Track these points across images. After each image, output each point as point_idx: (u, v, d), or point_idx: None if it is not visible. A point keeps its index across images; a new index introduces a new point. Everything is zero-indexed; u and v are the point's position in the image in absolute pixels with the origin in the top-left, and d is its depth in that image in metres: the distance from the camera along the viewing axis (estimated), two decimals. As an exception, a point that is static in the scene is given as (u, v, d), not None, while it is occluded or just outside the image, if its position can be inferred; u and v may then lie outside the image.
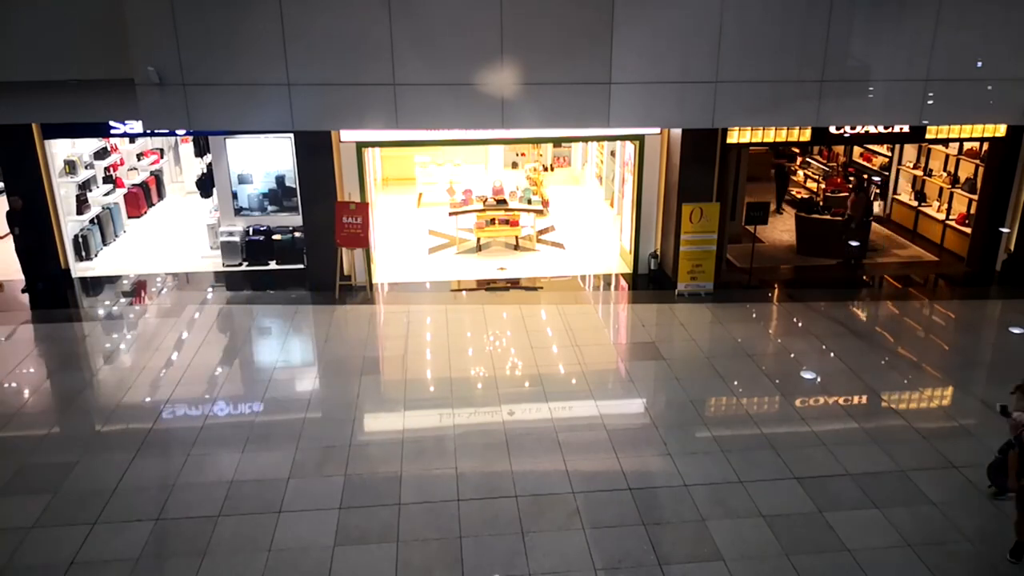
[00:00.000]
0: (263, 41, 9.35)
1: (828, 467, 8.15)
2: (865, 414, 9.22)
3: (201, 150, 17.84)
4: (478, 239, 15.21)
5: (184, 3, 9.14)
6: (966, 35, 10.01)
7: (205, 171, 17.27)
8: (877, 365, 10.43)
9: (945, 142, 14.49)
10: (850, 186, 15.87)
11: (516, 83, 9.72)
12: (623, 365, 10.55)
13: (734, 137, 12.35)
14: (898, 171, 16.62)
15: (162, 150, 18.79)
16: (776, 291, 13.28)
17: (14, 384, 10.12)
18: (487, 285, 13.47)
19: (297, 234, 13.87)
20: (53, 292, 13.02)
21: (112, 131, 12.61)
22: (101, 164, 15.71)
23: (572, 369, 10.31)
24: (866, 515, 7.40)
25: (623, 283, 13.70)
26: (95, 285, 13.50)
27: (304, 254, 13.55)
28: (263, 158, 14.38)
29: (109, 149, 16.29)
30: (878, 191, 16.86)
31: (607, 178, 16.99)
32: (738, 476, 7.98)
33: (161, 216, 17.24)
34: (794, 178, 19.27)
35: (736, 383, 9.94)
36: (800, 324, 11.80)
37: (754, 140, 12.49)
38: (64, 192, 13.83)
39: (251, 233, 14.02)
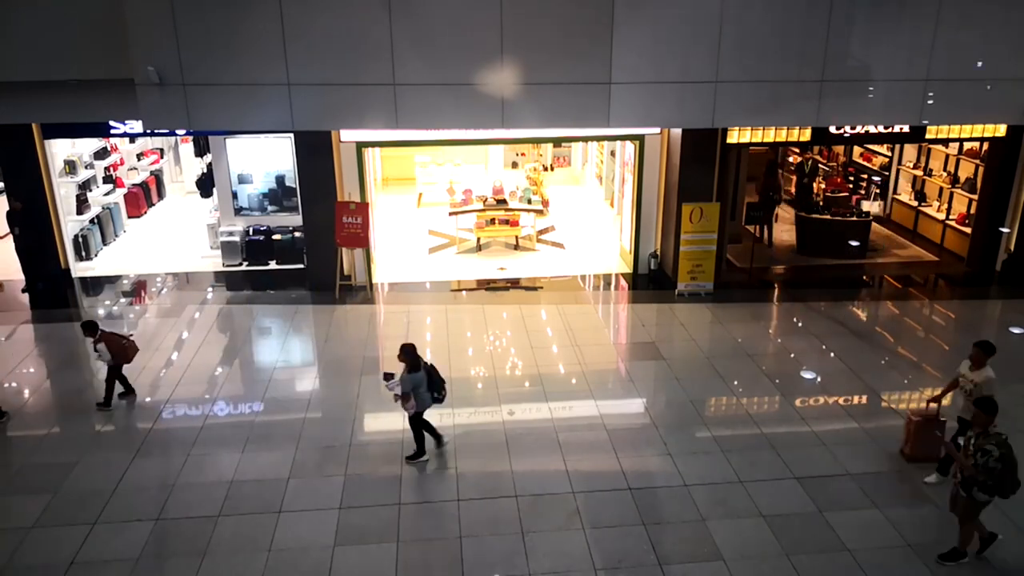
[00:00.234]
0: (263, 41, 9.35)
1: (828, 467, 8.15)
2: (865, 414, 9.22)
3: (201, 150, 17.83)
4: (478, 239, 15.21)
5: (184, 3, 9.14)
6: (966, 35, 10.01)
7: (205, 171, 17.27)
8: (877, 365, 10.42)
9: (945, 142, 14.49)
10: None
11: (516, 83, 9.72)
12: (623, 365, 10.55)
13: (734, 137, 12.35)
14: (898, 171, 16.62)
15: (162, 150, 18.78)
16: (776, 291, 13.29)
17: (14, 384, 10.12)
18: (487, 285, 13.47)
19: (297, 234, 13.87)
20: (53, 292, 13.01)
21: (112, 131, 12.61)
22: (101, 164, 15.71)
23: (572, 369, 10.31)
24: (866, 515, 7.40)
25: (623, 283, 13.70)
26: (95, 285, 13.50)
27: (304, 254, 13.55)
28: (263, 158, 14.38)
29: (109, 149, 16.28)
30: (877, 188, 16.88)
31: (607, 178, 16.99)
32: (738, 476, 7.98)
33: (161, 216, 17.24)
34: (793, 178, 19.26)
35: (736, 383, 9.94)
36: (800, 324, 11.80)
37: (754, 140, 12.49)
38: (64, 192, 13.83)
39: (251, 233, 14.02)
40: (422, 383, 8.00)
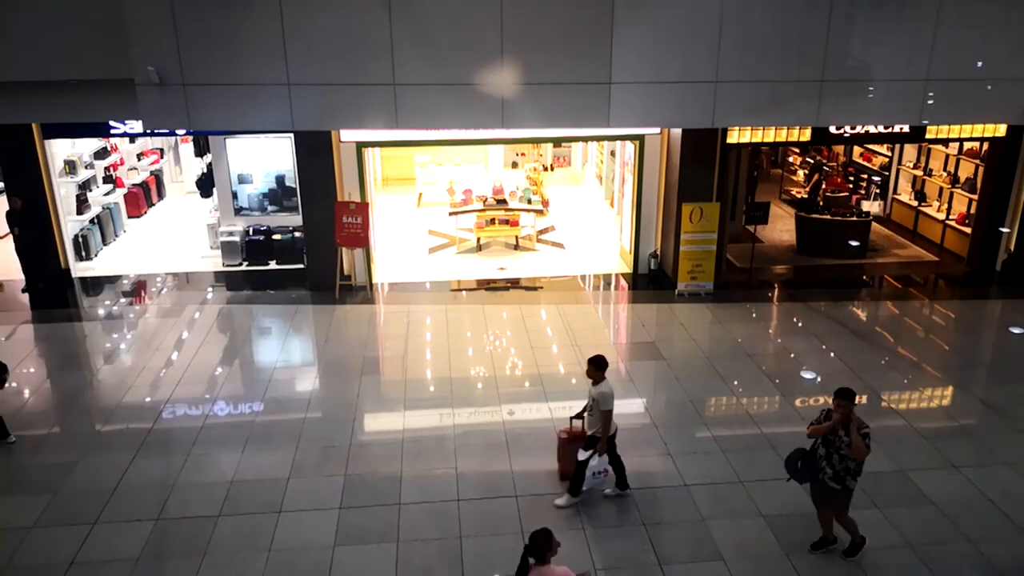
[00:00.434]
0: (263, 41, 9.35)
1: (828, 467, 8.14)
2: (865, 414, 9.15)
3: (201, 150, 17.84)
4: (478, 239, 15.21)
5: (184, 3, 9.13)
6: (966, 35, 10.01)
7: (205, 171, 17.28)
8: (877, 365, 10.42)
9: (945, 142, 14.49)
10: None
11: (516, 83, 9.72)
12: (623, 365, 10.54)
13: (734, 137, 12.35)
14: (898, 171, 16.62)
15: (162, 150, 18.79)
16: (776, 291, 13.29)
17: (14, 384, 10.12)
18: (487, 285, 13.47)
19: (297, 234, 13.87)
20: (53, 292, 13.01)
21: (112, 131, 12.61)
22: (101, 164, 15.71)
23: (572, 369, 10.30)
24: (866, 515, 7.40)
25: (623, 283, 13.70)
26: (95, 285, 13.50)
27: (304, 254, 13.55)
28: (263, 158, 14.38)
29: (109, 149, 16.28)
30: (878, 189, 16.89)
31: (607, 178, 16.99)
32: (738, 476, 7.98)
33: (161, 216, 17.24)
34: (793, 178, 19.28)
35: (736, 383, 9.93)
36: (800, 324, 11.80)
37: (754, 140, 12.49)
38: (64, 192, 13.83)
39: (251, 233, 14.02)
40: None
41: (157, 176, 18.10)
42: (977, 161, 14.25)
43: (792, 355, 10.75)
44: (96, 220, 14.72)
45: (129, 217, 16.41)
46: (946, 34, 9.95)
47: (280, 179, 14.54)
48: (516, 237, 15.22)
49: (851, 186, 17.35)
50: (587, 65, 9.69)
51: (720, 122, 10.67)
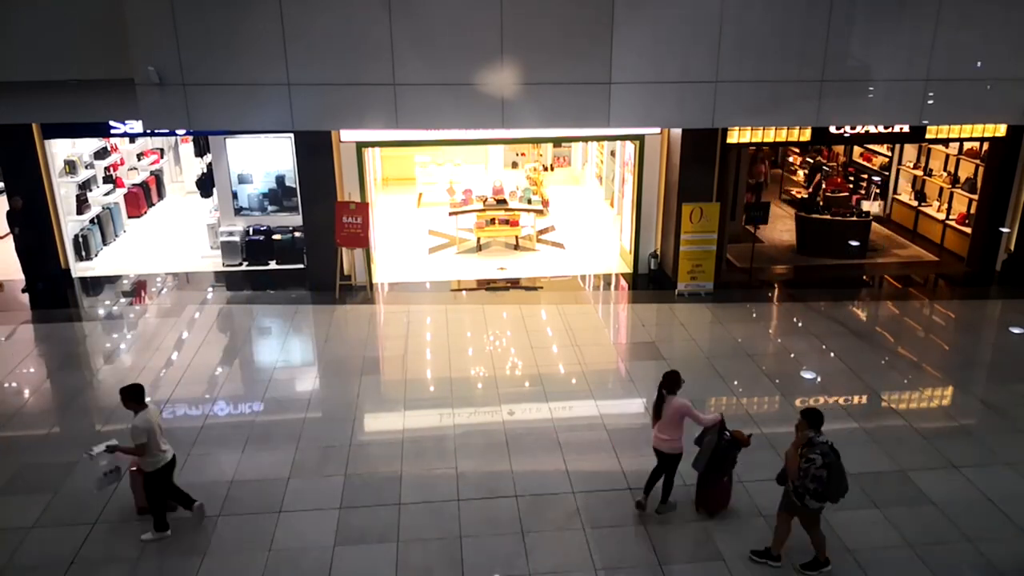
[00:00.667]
0: (263, 41, 9.35)
1: (828, 467, 8.14)
2: (865, 414, 9.22)
3: (201, 150, 17.84)
4: (478, 239, 15.21)
5: (184, 3, 9.14)
6: (966, 35, 10.01)
7: (205, 171, 17.27)
8: (877, 365, 10.42)
9: (945, 142, 14.49)
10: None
11: (516, 83, 9.72)
12: (623, 365, 10.55)
13: (734, 137, 12.35)
14: (898, 171, 16.62)
15: (162, 150, 18.79)
16: (776, 291, 13.29)
17: (14, 384, 10.12)
18: (487, 285, 13.47)
19: (297, 234, 13.87)
20: (53, 292, 13.01)
21: (112, 131, 12.61)
22: (101, 164, 15.72)
23: (572, 369, 10.31)
24: (866, 515, 7.40)
25: (623, 283, 13.70)
26: (95, 285, 13.50)
27: (304, 254, 13.55)
28: (263, 158, 14.38)
29: (109, 149, 16.29)
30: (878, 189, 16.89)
31: (607, 178, 16.99)
32: (738, 476, 7.98)
33: (161, 216, 17.24)
34: (793, 178, 19.28)
35: (736, 383, 9.93)
36: (800, 324, 11.80)
37: (754, 140, 12.49)
38: (64, 192, 13.83)
39: (251, 233, 14.02)
40: None
41: (157, 176, 18.10)
42: (977, 161, 14.25)
43: (792, 355, 10.75)
44: (96, 220, 14.72)
45: (129, 217, 16.41)
46: (946, 34, 9.95)
47: (280, 179, 14.54)
48: (516, 237, 15.22)
49: (851, 186, 17.35)
50: (587, 65, 9.69)
51: (720, 122, 10.67)
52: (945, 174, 15.35)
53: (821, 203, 15.41)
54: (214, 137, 14.11)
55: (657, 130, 12.97)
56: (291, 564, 6.82)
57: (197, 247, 14.84)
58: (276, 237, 13.98)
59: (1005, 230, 13.61)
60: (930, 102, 10.34)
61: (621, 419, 9.19)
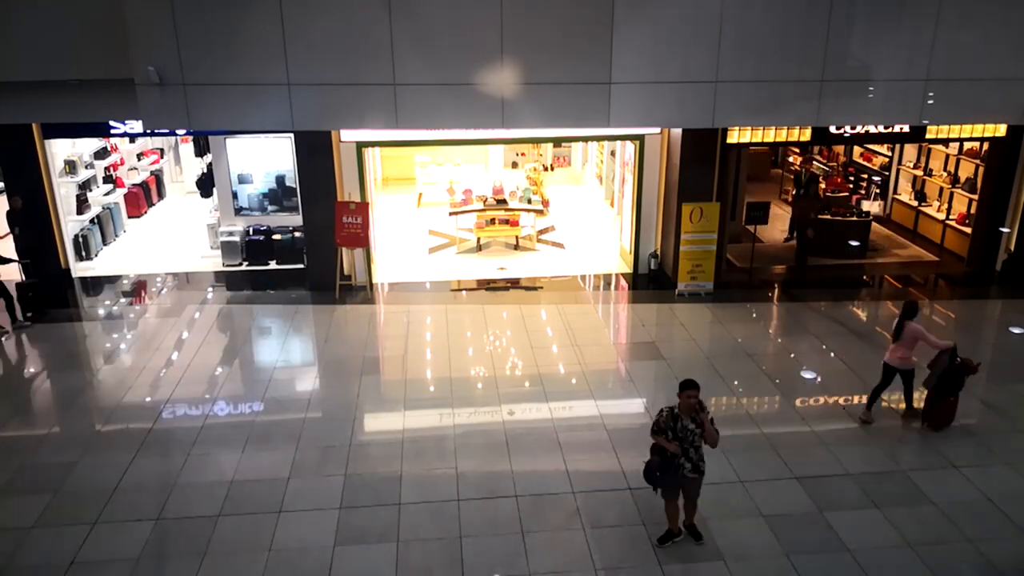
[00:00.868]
0: (263, 41, 9.35)
1: (828, 467, 8.15)
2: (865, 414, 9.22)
3: (201, 150, 17.84)
4: (478, 239, 15.21)
5: (184, 3, 9.14)
6: (966, 35, 10.01)
7: (205, 171, 17.28)
8: (877, 365, 10.37)
9: (945, 142, 14.49)
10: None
11: (516, 83, 9.72)
12: (623, 365, 10.55)
13: (734, 137, 12.35)
14: (898, 171, 16.62)
15: (162, 150, 18.79)
16: (776, 291, 13.28)
17: (14, 384, 10.12)
18: (487, 285, 13.47)
19: (297, 234, 13.87)
20: (53, 292, 13.00)
21: (112, 131, 12.61)
22: (101, 164, 15.72)
23: (572, 369, 10.31)
24: (866, 515, 7.40)
25: (623, 283, 13.70)
26: (95, 285, 13.50)
27: (304, 254, 13.55)
28: (263, 158, 14.38)
29: (109, 149, 16.29)
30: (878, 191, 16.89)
31: (607, 178, 16.99)
32: (738, 476, 7.98)
33: (161, 216, 17.25)
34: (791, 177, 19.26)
35: (736, 383, 9.94)
36: (800, 324, 11.80)
37: (754, 140, 12.49)
38: (64, 192, 13.84)
39: (251, 233, 14.02)
40: None
41: (157, 176, 18.11)
42: (977, 161, 14.25)
43: (792, 355, 10.75)
44: (96, 220, 14.73)
45: (129, 217, 16.41)
46: (946, 34, 9.95)
47: (280, 179, 14.54)
48: (516, 237, 15.22)
49: (851, 186, 17.35)
50: (587, 65, 9.69)
51: (720, 122, 10.67)
52: (945, 174, 15.35)
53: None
54: (214, 137, 14.11)
55: (657, 130, 12.97)
56: (291, 564, 6.82)
57: (197, 247, 14.84)
58: (276, 237, 13.98)
59: (1005, 230, 13.61)
60: (930, 102, 10.34)
61: (621, 419, 9.19)
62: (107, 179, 15.90)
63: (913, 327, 8.65)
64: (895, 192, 16.65)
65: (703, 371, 10.22)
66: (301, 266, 13.74)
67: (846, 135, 12.95)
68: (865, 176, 17.41)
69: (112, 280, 13.70)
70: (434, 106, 9.85)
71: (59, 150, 13.92)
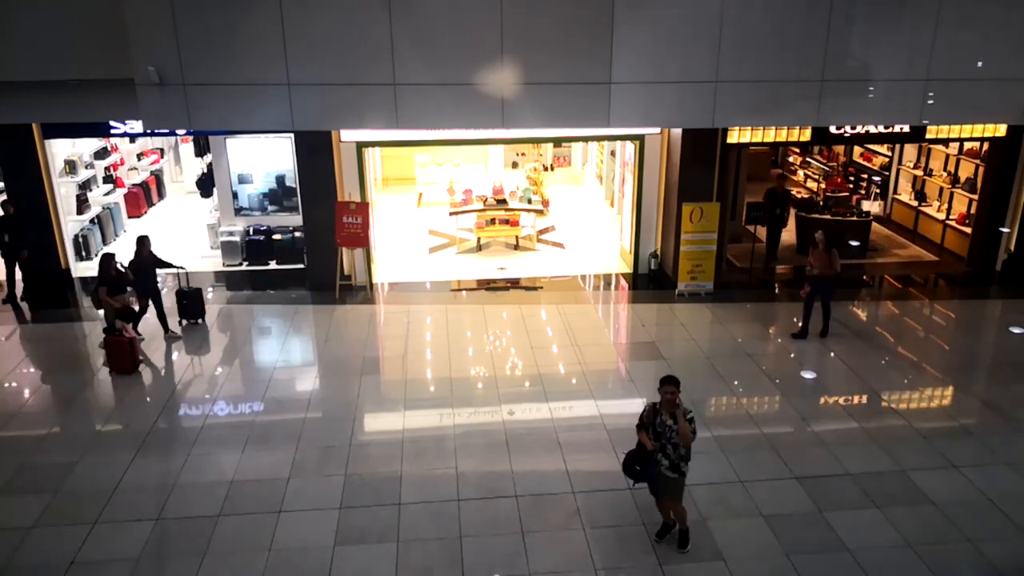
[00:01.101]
0: (263, 41, 9.34)
1: (828, 467, 8.15)
2: (865, 414, 9.22)
3: (201, 150, 17.83)
4: (478, 239, 15.21)
5: (184, 3, 9.13)
6: (966, 35, 10.01)
7: (205, 171, 17.27)
8: (877, 365, 10.42)
9: (945, 142, 14.49)
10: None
11: (516, 83, 9.72)
12: (623, 365, 10.55)
13: (734, 137, 12.35)
14: (898, 171, 16.62)
15: (162, 150, 18.79)
16: (776, 291, 13.28)
17: (14, 384, 10.12)
18: (487, 285, 13.47)
19: (297, 234, 13.87)
20: (53, 292, 13.00)
21: (112, 131, 12.61)
22: (101, 164, 15.71)
23: (572, 369, 10.31)
24: (866, 515, 7.40)
25: (623, 283, 13.70)
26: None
27: (304, 254, 13.55)
28: (263, 158, 14.38)
29: (109, 149, 16.28)
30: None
31: (607, 178, 16.99)
32: (738, 476, 7.98)
33: (161, 216, 17.23)
34: (794, 178, 19.28)
35: (736, 383, 9.94)
36: (800, 324, 11.79)
37: (754, 140, 12.49)
38: (64, 192, 13.84)
39: (251, 233, 14.02)
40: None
41: (157, 176, 18.10)
42: (977, 161, 14.25)
43: (792, 355, 10.75)
44: (96, 220, 14.72)
45: (129, 217, 16.40)
46: (946, 34, 9.94)
47: (280, 179, 14.54)
48: (516, 237, 15.22)
49: (851, 186, 17.35)
50: (587, 65, 9.69)
51: (720, 122, 10.67)
52: (945, 174, 15.35)
53: (820, 203, 15.29)
54: (214, 137, 14.10)
55: (657, 130, 12.97)
56: (291, 564, 6.82)
57: (197, 247, 14.82)
58: (276, 237, 13.98)
59: (1005, 230, 13.61)
60: (930, 102, 10.34)
61: (621, 419, 9.18)
62: (107, 179, 15.90)
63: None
64: (895, 192, 16.65)
65: (703, 371, 10.23)
66: (301, 266, 13.74)
67: (846, 135, 12.96)
68: (865, 176, 17.41)
69: (112, 280, 13.67)
70: (434, 106, 9.85)
71: (59, 150, 13.92)
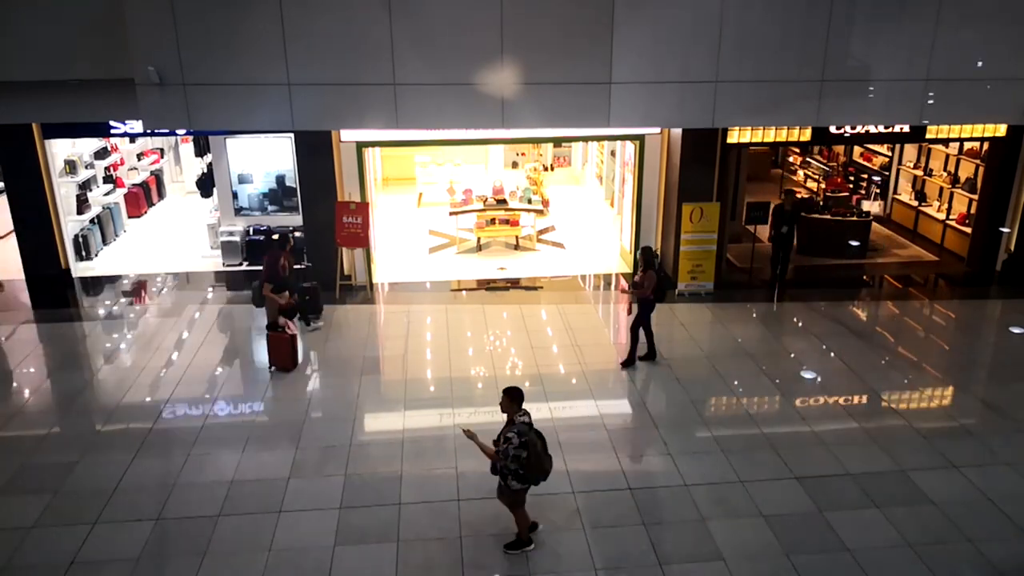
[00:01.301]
0: (263, 41, 9.34)
1: (828, 467, 8.15)
2: (865, 414, 9.23)
3: (201, 150, 17.83)
4: (478, 239, 15.21)
5: (184, 3, 9.13)
6: (966, 35, 10.00)
7: (205, 171, 17.26)
8: (877, 365, 10.42)
9: (945, 142, 14.49)
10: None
11: (516, 83, 9.71)
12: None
13: (734, 137, 12.35)
14: (898, 171, 16.62)
15: (162, 150, 18.78)
16: (776, 291, 13.28)
17: (14, 384, 10.12)
18: (487, 285, 13.47)
19: (297, 234, 13.86)
20: (53, 292, 13.01)
21: (112, 131, 12.61)
22: (101, 164, 15.70)
23: (572, 369, 10.31)
24: (866, 515, 7.40)
25: (623, 283, 13.70)
26: (95, 285, 13.50)
27: (304, 254, 13.55)
28: (263, 158, 14.37)
29: (109, 149, 16.28)
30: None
31: (607, 178, 16.99)
32: (738, 476, 7.99)
33: (161, 216, 17.24)
34: (795, 177, 19.29)
35: (736, 383, 9.94)
36: (800, 324, 11.80)
37: (754, 140, 12.49)
38: (64, 192, 13.83)
39: (251, 233, 14.02)
40: None
41: (157, 176, 18.10)
42: (977, 161, 14.25)
43: (792, 355, 10.75)
44: (96, 220, 14.72)
45: (129, 217, 16.40)
46: (946, 34, 9.94)
47: (280, 179, 14.54)
48: (516, 237, 15.22)
49: (851, 186, 17.35)
50: (587, 65, 9.68)
51: (720, 122, 10.67)
52: (945, 174, 15.35)
53: (821, 203, 15.31)
54: (214, 137, 14.10)
55: (657, 130, 12.97)
56: (291, 564, 6.82)
57: (197, 247, 14.83)
58: (276, 237, 13.95)
59: (1005, 230, 13.61)
60: (930, 102, 10.34)
61: (621, 419, 9.19)
62: (107, 179, 15.90)
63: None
64: (895, 192, 16.65)
65: (703, 371, 10.23)
66: (300, 266, 13.72)
67: (846, 135, 12.95)
68: (865, 176, 17.41)
69: (112, 280, 13.70)
70: (434, 106, 9.84)
71: (59, 150, 13.91)
